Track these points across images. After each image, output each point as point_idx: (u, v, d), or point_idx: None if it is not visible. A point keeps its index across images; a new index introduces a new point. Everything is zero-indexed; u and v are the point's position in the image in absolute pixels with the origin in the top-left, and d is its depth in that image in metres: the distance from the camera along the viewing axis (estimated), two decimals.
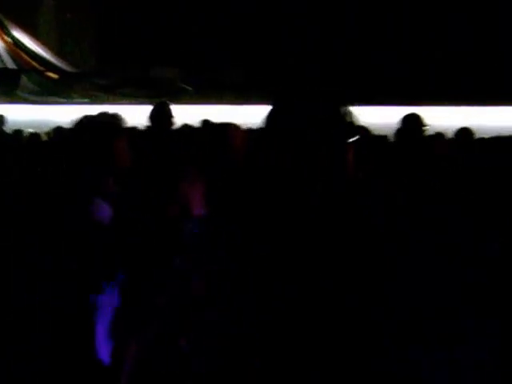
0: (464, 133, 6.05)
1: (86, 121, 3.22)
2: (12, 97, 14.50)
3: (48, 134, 8.94)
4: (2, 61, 15.50)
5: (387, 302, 2.43)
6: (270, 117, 2.60)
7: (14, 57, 15.50)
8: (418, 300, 2.49)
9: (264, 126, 2.58)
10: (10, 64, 15.58)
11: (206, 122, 5.82)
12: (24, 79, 14.92)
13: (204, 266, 2.31)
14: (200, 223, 2.31)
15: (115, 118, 3.36)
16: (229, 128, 2.89)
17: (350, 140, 2.49)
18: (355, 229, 2.42)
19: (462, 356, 2.54)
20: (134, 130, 5.32)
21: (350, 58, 9.67)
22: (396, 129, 4.80)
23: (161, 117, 5.08)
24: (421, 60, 9.84)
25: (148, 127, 5.21)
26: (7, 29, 15.72)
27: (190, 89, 10.82)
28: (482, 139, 5.81)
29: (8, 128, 10.12)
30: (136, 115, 5.10)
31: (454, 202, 2.63)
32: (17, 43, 15.71)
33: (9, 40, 15.50)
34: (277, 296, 2.31)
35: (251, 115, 5.27)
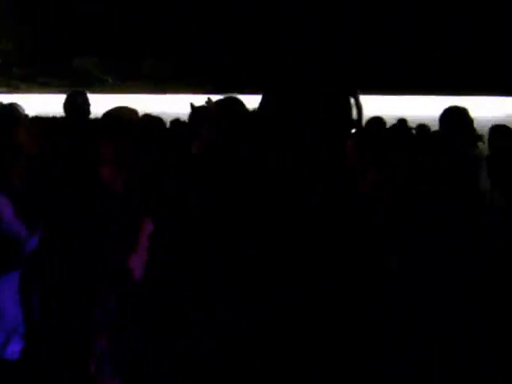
0: (376, 122, 5.94)
1: None
2: None
3: None
4: None
5: (387, 302, 2.43)
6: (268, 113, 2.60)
7: None
8: (418, 300, 2.49)
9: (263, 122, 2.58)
10: None
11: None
12: None
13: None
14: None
15: (13, 108, 3.34)
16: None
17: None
18: (355, 229, 2.42)
19: (461, 355, 2.54)
20: (51, 119, 5.29)
21: (350, 58, 9.67)
22: None
23: (75, 106, 5.02)
24: (421, 60, 9.84)
25: (63, 117, 5.15)
26: None
27: (109, 79, 10.76)
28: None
29: None
30: (55, 105, 5.06)
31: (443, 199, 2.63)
32: None
33: None
34: (277, 296, 2.30)
35: (170, 105, 5.30)
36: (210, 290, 2.30)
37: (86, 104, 4.95)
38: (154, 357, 2.28)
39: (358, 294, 2.36)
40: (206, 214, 2.33)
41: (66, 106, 4.95)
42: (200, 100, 2.88)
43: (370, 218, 2.49)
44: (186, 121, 3.35)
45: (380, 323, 2.39)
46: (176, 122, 6.27)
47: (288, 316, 2.31)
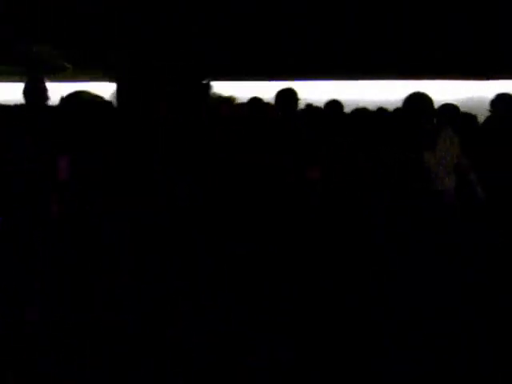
0: (333, 105, 5.87)
1: None
2: None
3: None
4: None
5: (387, 302, 2.43)
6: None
7: None
8: (418, 300, 2.49)
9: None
10: None
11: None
12: None
13: None
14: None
15: None
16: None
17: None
18: (355, 229, 2.42)
19: (461, 355, 2.54)
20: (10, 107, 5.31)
21: (350, 58, 9.69)
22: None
23: (34, 92, 5.01)
24: (421, 60, 9.87)
25: (23, 104, 5.17)
26: None
27: (69, 66, 10.64)
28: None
29: None
30: (14, 92, 5.07)
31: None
32: None
33: None
34: (277, 296, 2.30)
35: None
36: (199, 287, 2.29)
37: (46, 90, 4.93)
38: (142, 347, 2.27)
39: (358, 294, 2.36)
40: (196, 211, 2.32)
41: (27, 91, 4.91)
42: None
43: (370, 218, 2.50)
44: None
45: (380, 323, 2.40)
46: None
47: (288, 316, 2.31)
